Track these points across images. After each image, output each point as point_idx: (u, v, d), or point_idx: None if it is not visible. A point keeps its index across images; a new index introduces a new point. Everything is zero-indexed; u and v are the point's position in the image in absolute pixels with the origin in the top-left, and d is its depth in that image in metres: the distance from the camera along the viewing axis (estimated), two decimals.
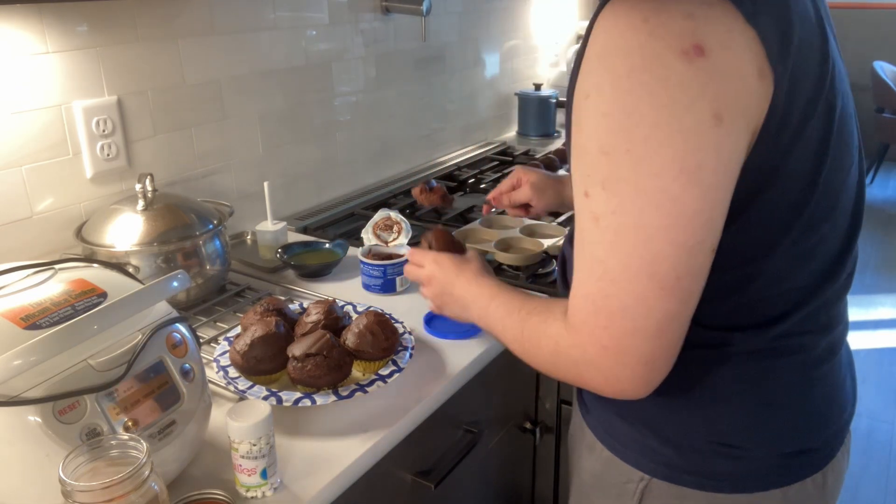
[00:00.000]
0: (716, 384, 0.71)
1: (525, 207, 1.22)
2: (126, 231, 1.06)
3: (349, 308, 1.07)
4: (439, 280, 0.92)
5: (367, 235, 1.23)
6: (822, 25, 0.64)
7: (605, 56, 0.57)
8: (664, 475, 0.76)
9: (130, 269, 0.93)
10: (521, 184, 1.20)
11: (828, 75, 0.63)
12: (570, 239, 0.85)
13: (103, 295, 0.73)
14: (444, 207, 1.56)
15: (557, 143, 2.25)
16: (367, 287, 1.21)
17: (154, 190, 1.10)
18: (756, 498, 0.74)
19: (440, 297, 0.92)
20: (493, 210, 1.29)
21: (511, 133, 2.42)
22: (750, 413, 0.72)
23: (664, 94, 0.54)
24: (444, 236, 1.05)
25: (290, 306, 1.01)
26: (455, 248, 1.02)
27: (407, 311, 1.13)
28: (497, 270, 1.27)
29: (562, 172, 1.82)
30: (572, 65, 0.65)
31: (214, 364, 0.91)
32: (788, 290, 0.69)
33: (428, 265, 0.94)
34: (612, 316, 0.60)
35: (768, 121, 0.58)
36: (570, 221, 1.36)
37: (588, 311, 0.62)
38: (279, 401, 0.84)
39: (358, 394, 0.86)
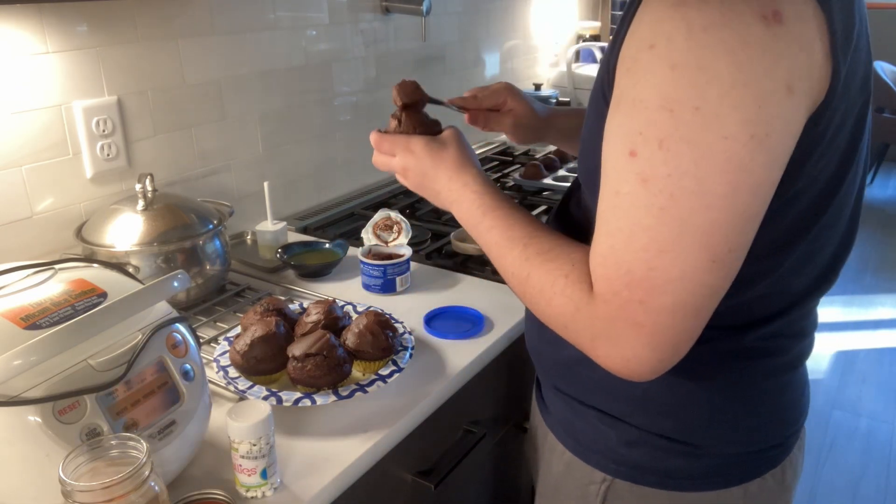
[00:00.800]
0: (691, 382, 0.70)
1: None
2: (126, 231, 1.06)
3: (349, 308, 1.07)
4: (414, 171, 0.82)
5: (367, 235, 1.23)
6: (868, 28, 0.63)
7: (679, 6, 0.53)
8: (626, 475, 0.75)
9: (130, 269, 0.93)
10: (503, 109, 1.03)
11: (870, 81, 0.62)
12: (556, 216, 0.83)
13: (103, 295, 0.73)
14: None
15: None
16: (367, 287, 1.21)
17: (154, 190, 1.10)
18: (718, 495, 0.74)
19: (419, 187, 0.84)
20: (454, 108, 1.01)
21: None
22: (719, 413, 0.71)
23: (744, 54, 0.51)
24: (415, 115, 0.86)
25: (290, 306, 1.01)
26: (427, 124, 0.86)
27: (407, 311, 1.13)
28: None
29: (561, 172, 1.82)
30: (619, 23, 0.61)
31: (214, 364, 0.91)
32: (784, 292, 0.69)
33: (399, 154, 0.83)
34: (653, 290, 0.55)
35: (821, 109, 0.56)
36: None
37: (622, 282, 0.56)
38: (279, 401, 0.84)
39: (358, 394, 0.86)
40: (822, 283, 0.72)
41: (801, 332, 0.74)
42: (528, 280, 0.67)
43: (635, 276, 0.56)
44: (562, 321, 0.63)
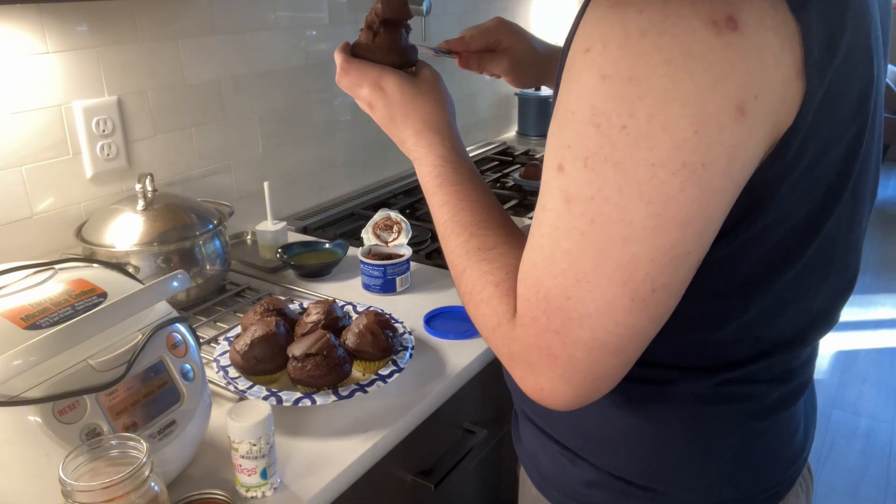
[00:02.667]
0: (652, 424, 0.65)
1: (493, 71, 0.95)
2: (126, 231, 1.06)
3: (349, 308, 1.07)
4: (381, 112, 0.74)
5: (367, 235, 1.23)
6: (876, 30, 0.54)
7: (617, 6, 0.46)
8: None
9: (130, 269, 0.93)
10: (498, 47, 0.92)
11: (870, 101, 0.53)
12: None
13: (103, 295, 0.73)
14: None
15: None
16: (367, 287, 1.21)
17: (154, 190, 1.10)
18: None
19: (383, 127, 0.76)
20: (443, 53, 0.92)
21: (511, 133, 2.42)
22: (682, 458, 0.65)
23: (682, 66, 0.43)
24: (394, 33, 0.75)
25: (290, 306, 1.01)
26: (404, 50, 0.76)
27: (407, 311, 1.13)
28: None
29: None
30: (573, 22, 0.53)
31: (214, 364, 0.91)
32: (759, 338, 0.62)
33: (368, 87, 0.74)
34: (570, 322, 0.50)
35: (788, 135, 0.48)
36: None
37: (540, 307, 0.51)
38: (279, 401, 0.84)
39: (358, 394, 0.86)
40: (812, 329, 0.64)
41: (785, 377, 0.65)
42: (462, 274, 0.62)
43: (552, 304, 0.51)
44: (484, 331, 0.59)
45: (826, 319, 0.65)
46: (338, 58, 0.76)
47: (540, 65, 0.94)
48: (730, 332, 0.60)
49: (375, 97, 0.74)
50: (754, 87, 0.44)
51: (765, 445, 0.67)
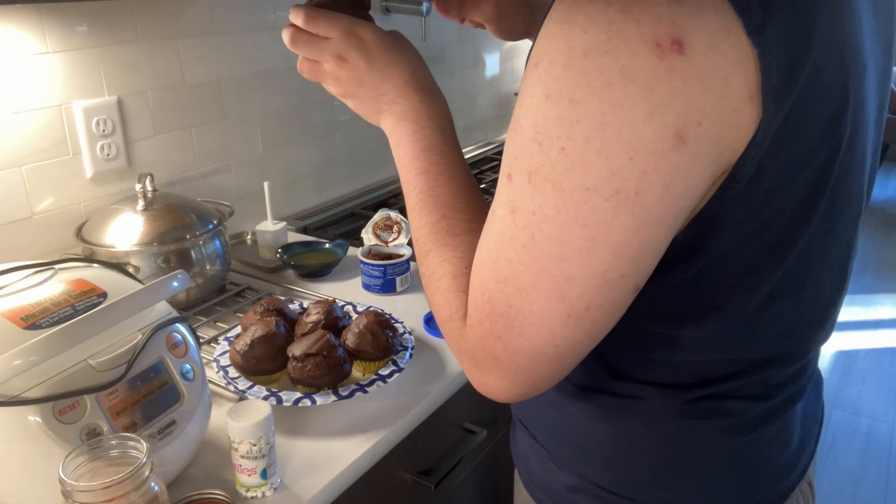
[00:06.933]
0: (628, 437, 0.65)
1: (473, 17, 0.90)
2: (126, 231, 1.06)
3: (349, 308, 1.07)
4: (355, 66, 0.69)
5: (367, 235, 1.23)
6: (859, 47, 0.51)
7: (565, 23, 0.44)
8: None
9: (130, 269, 0.93)
10: None
11: (843, 124, 0.50)
12: None
13: (103, 295, 0.73)
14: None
15: None
16: (367, 287, 1.21)
17: (154, 190, 1.10)
18: None
19: (351, 87, 0.70)
20: None
21: None
22: (657, 470, 0.65)
23: (622, 90, 0.43)
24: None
25: (290, 306, 1.01)
26: (361, 3, 0.71)
27: (407, 311, 1.13)
28: None
29: None
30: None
31: (214, 364, 0.91)
32: (726, 359, 0.61)
33: (340, 37, 0.68)
34: (511, 329, 0.51)
35: (741, 162, 0.46)
36: None
37: (484, 311, 0.53)
38: (279, 401, 0.84)
39: (358, 394, 0.86)
40: (791, 349, 0.63)
41: (766, 393, 0.64)
42: (426, 256, 0.62)
43: (496, 309, 0.52)
44: (437, 318, 0.60)
45: (807, 339, 0.64)
46: (298, 12, 0.68)
47: (527, 15, 0.88)
48: (699, 353, 0.60)
49: (348, 45, 0.68)
50: (697, 114, 0.43)
51: (747, 460, 0.66)
